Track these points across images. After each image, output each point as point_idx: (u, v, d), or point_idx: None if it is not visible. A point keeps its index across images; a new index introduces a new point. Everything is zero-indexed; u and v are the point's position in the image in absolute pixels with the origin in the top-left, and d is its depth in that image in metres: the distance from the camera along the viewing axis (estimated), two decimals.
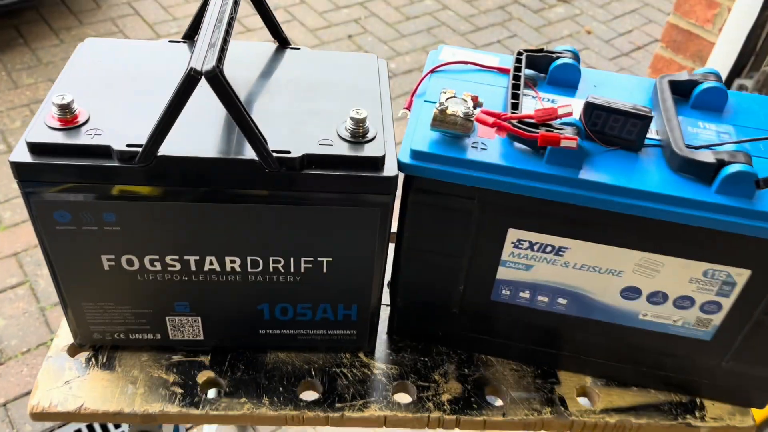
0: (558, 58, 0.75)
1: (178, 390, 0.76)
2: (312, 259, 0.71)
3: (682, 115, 0.73)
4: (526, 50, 0.76)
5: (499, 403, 0.79)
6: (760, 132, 0.72)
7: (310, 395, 0.78)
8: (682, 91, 0.75)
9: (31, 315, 1.90)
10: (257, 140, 0.61)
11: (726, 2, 1.76)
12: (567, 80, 0.76)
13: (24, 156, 0.62)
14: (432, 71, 0.77)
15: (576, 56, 0.76)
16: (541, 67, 0.77)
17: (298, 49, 0.79)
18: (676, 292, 0.71)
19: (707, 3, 1.83)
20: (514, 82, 0.71)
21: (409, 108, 0.74)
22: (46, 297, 1.95)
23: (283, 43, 0.79)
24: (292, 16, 3.06)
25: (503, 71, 0.77)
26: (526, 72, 0.76)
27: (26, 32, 2.84)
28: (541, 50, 0.77)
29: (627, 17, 3.31)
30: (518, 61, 0.75)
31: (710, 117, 0.73)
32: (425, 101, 0.72)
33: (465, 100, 0.67)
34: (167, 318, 0.76)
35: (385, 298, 0.81)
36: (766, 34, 1.68)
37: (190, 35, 0.77)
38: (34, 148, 0.62)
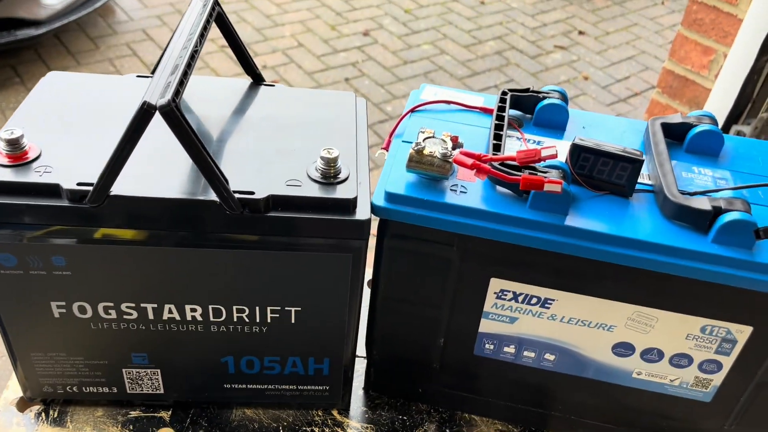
0: (545, 98, 0.72)
1: None
2: (279, 308, 0.66)
3: (676, 159, 0.68)
4: (510, 90, 0.73)
5: None
6: (758, 178, 0.67)
7: None
8: (675, 134, 0.71)
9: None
10: (216, 179, 0.56)
11: (722, 49, 1.75)
12: (554, 121, 0.72)
13: None
14: (412, 110, 0.73)
15: (564, 96, 0.72)
16: (528, 108, 0.73)
17: (273, 85, 0.75)
18: (673, 350, 0.65)
19: (702, 49, 1.82)
20: (497, 122, 0.67)
21: (387, 148, 0.70)
22: None
23: (257, 79, 0.76)
24: (290, 59, 3.07)
25: (487, 111, 0.73)
26: (511, 113, 0.72)
27: (23, 72, 2.84)
28: (527, 90, 0.73)
29: (624, 64, 3.31)
30: (502, 100, 0.71)
31: (705, 162, 0.69)
32: (403, 141, 0.68)
33: (444, 141, 0.63)
34: (124, 370, 0.70)
35: (362, 350, 0.75)
36: (763, 80, 1.66)
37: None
38: None
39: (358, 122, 0.71)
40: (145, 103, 0.53)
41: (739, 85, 1.66)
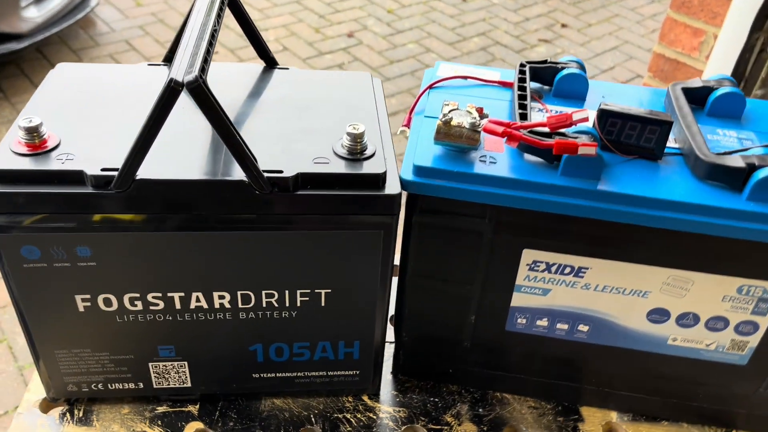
0: (563, 68, 0.71)
1: None
2: (309, 291, 0.65)
3: (699, 123, 0.68)
4: (528, 62, 0.72)
5: None
6: None
7: None
8: (696, 98, 0.70)
9: (9, 375, 1.80)
10: (246, 158, 0.55)
11: (711, 30, 1.76)
12: (574, 91, 0.71)
13: None
14: (430, 87, 0.72)
15: (582, 66, 0.72)
16: (546, 79, 0.72)
17: (287, 69, 0.74)
18: (708, 313, 0.65)
19: (692, 31, 1.83)
20: (520, 93, 0.67)
21: (407, 125, 0.69)
22: (24, 355, 1.85)
23: (270, 63, 0.74)
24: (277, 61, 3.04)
25: (505, 85, 0.73)
26: (531, 85, 0.71)
27: (6, 87, 2.81)
28: (545, 61, 0.72)
29: (608, 54, 3.33)
30: (522, 72, 0.71)
31: (729, 124, 0.69)
32: (425, 116, 0.67)
33: (469, 112, 0.62)
34: (150, 364, 0.69)
35: (389, 335, 0.74)
36: (755, 58, 1.67)
37: (170, 57, 0.72)
38: (0, 176, 0.56)
39: (377, 100, 0.70)
40: (171, 80, 0.51)
41: (732, 64, 1.67)
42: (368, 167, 0.60)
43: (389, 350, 0.78)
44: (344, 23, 3.44)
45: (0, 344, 1.88)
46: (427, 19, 3.52)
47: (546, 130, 0.60)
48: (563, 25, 3.52)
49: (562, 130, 0.60)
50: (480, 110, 0.63)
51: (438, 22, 3.49)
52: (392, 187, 0.60)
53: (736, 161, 0.59)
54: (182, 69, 0.53)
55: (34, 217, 0.57)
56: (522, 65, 0.72)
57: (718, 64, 1.72)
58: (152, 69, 0.71)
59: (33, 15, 2.77)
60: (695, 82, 0.70)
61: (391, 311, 0.74)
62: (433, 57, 3.23)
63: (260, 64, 0.74)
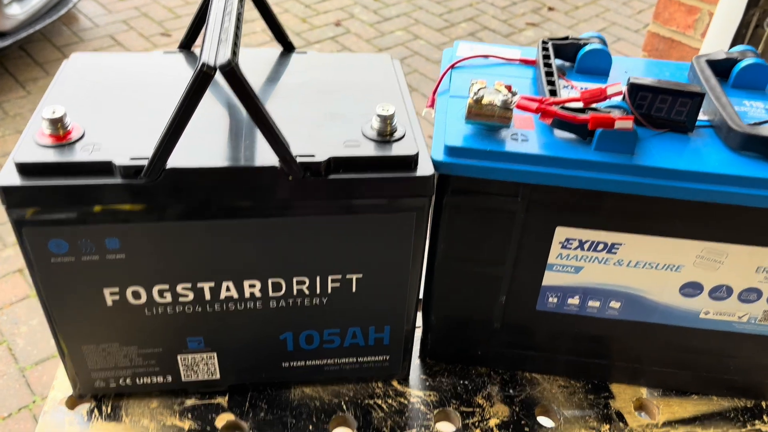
0: (585, 44, 0.70)
1: None
2: (340, 276, 0.64)
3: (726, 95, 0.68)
4: (550, 39, 0.71)
5: (551, 424, 0.72)
6: None
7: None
8: (720, 71, 0.70)
9: (11, 377, 1.77)
10: (279, 143, 0.54)
11: (706, 7, 1.76)
12: (597, 68, 0.70)
13: (13, 179, 0.54)
14: (452, 67, 0.71)
15: (603, 42, 0.71)
16: (568, 56, 0.72)
17: (305, 53, 0.73)
18: (742, 285, 0.65)
19: (687, 9, 1.83)
20: (546, 69, 0.66)
21: (431, 106, 0.68)
22: (25, 357, 1.82)
23: (288, 47, 0.73)
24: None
25: (527, 63, 0.72)
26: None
27: None
28: (566, 38, 0.72)
29: None
30: (545, 49, 0.70)
31: (755, 95, 0.68)
32: (451, 96, 0.66)
33: (499, 90, 0.61)
34: (179, 356, 0.67)
35: (417, 319, 0.74)
36: (751, 34, 1.68)
37: (187, 44, 0.71)
38: (24, 168, 0.54)
39: (400, 83, 0.69)
40: (204, 65, 0.50)
41: (728, 41, 1.67)
42: (399, 149, 0.59)
43: (417, 334, 0.77)
44: (331, 12, 3.42)
45: (0, 346, 1.85)
46: (413, 6, 3.50)
47: (577, 105, 0.59)
48: (550, 9, 3.52)
49: (594, 105, 0.59)
50: (509, 87, 0.63)
51: (425, 9, 3.48)
52: (425, 168, 0.59)
53: None
54: (212, 52, 0.51)
55: (62, 210, 0.55)
56: (544, 42, 0.71)
57: (714, 41, 1.72)
58: (168, 56, 0.70)
59: (15, 12, 2.72)
60: (719, 54, 0.70)
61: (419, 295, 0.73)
62: (421, 44, 3.22)
63: (277, 49, 0.73)
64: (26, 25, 2.80)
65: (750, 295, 0.65)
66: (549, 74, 0.66)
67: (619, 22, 3.49)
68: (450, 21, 3.41)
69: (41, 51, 3.03)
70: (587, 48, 0.70)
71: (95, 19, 3.31)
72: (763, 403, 0.74)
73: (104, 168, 0.55)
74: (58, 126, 0.56)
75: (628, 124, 0.56)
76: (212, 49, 0.52)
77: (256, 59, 0.71)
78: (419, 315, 0.77)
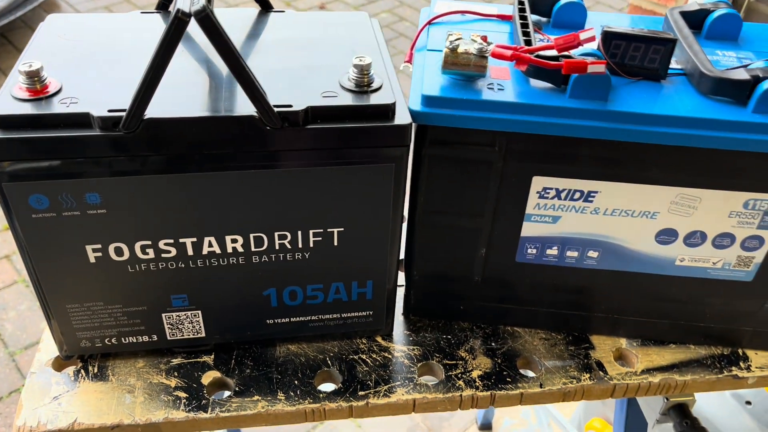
0: None
1: (182, 394, 0.68)
2: (321, 230, 0.64)
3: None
4: None
5: (533, 374, 0.73)
6: None
7: (328, 387, 0.71)
8: (693, 22, 0.71)
9: (0, 361, 1.78)
10: (256, 91, 0.54)
11: None
12: (573, 21, 0.71)
13: None
14: (429, 23, 0.72)
15: None
16: (544, 11, 0.72)
17: (283, 12, 0.73)
18: (715, 230, 0.66)
19: None
20: (522, 21, 0.67)
21: (410, 61, 0.69)
22: (14, 341, 1.83)
23: (265, 6, 0.73)
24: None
25: (504, 18, 0.73)
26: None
27: None
28: None
29: None
30: (521, 3, 0.70)
31: (727, 45, 0.70)
32: (428, 50, 0.67)
33: (474, 40, 0.62)
34: (164, 315, 0.68)
35: (399, 278, 0.75)
36: (732, 1, 1.69)
37: (164, 5, 0.71)
38: (2, 121, 0.54)
39: (378, 37, 0.69)
40: (179, 11, 0.50)
41: None
42: (377, 99, 0.59)
43: (399, 293, 0.78)
44: None
45: None
46: None
47: (553, 53, 0.60)
48: None
49: (569, 53, 0.60)
50: (485, 38, 0.63)
51: None
52: (402, 117, 0.59)
53: (741, 74, 0.59)
54: (187, 1, 0.51)
55: (41, 164, 0.56)
56: None
57: None
58: (145, 16, 0.70)
59: None
60: (692, 6, 0.71)
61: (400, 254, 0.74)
62: (407, 25, 3.22)
63: (256, 8, 0.73)
64: (7, 12, 2.77)
65: (723, 240, 0.67)
66: (524, 26, 0.66)
67: (605, 1, 3.50)
68: None
69: (22, 38, 3.01)
70: (563, 1, 0.71)
71: (77, 5, 3.28)
72: (740, 350, 0.76)
73: (82, 120, 0.55)
74: (35, 80, 0.56)
75: (601, 67, 0.57)
76: None
77: (235, 17, 0.71)
78: (402, 274, 0.78)
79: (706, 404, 1.27)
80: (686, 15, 0.70)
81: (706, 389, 0.74)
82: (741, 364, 0.74)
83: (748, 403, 1.26)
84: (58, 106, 0.55)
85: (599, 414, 1.48)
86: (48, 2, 3.23)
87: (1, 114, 0.54)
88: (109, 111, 0.55)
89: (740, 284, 0.70)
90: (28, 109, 0.55)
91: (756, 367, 0.74)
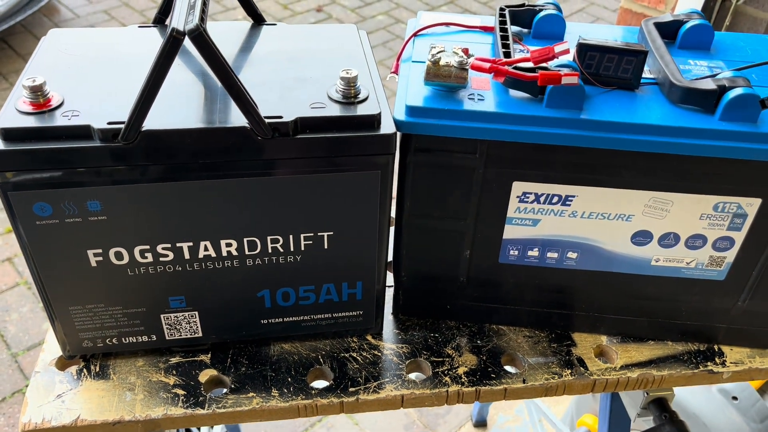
0: (541, 10, 0.74)
1: (181, 392, 0.71)
2: (312, 234, 0.68)
3: (671, 54, 0.72)
4: (507, 6, 0.75)
5: (516, 370, 0.76)
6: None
7: (320, 384, 0.74)
8: (667, 32, 0.74)
9: (3, 362, 1.81)
10: (248, 104, 0.58)
11: None
12: (552, 32, 0.74)
13: None
14: (414, 35, 0.75)
15: (558, 8, 0.75)
16: (525, 22, 0.76)
17: (275, 24, 0.76)
18: (688, 231, 0.69)
19: None
20: (502, 33, 0.70)
21: (396, 72, 0.72)
22: (17, 343, 1.86)
23: (258, 20, 0.77)
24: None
25: (487, 29, 0.76)
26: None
27: None
28: (523, 5, 0.75)
29: (575, 16, 3.37)
30: (502, 15, 0.74)
31: (699, 55, 0.73)
32: (413, 62, 0.70)
33: (456, 53, 0.65)
34: (162, 316, 0.71)
35: (388, 279, 0.78)
36: (718, 8, 1.72)
37: (161, 19, 0.74)
38: (7, 134, 0.57)
39: (365, 50, 0.73)
40: (174, 29, 0.53)
41: None
42: (363, 109, 0.62)
43: (389, 294, 0.82)
44: None
45: None
46: None
47: (530, 65, 0.63)
48: None
49: (545, 65, 0.63)
50: (466, 51, 0.66)
51: None
52: (387, 127, 0.63)
53: (708, 84, 0.63)
54: (182, 18, 0.55)
55: (44, 174, 0.59)
56: (501, 9, 0.75)
57: None
58: (143, 30, 0.73)
59: None
60: (666, 17, 0.74)
61: (389, 256, 0.77)
62: (402, 27, 3.24)
63: (248, 22, 0.76)
64: (7, 17, 2.80)
65: (696, 241, 0.70)
66: (504, 38, 0.69)
67: (598, 2, 3.53)
68: (431, 4, 3.44)
69: (23, 43, 3.04)
70: (542, 14, 0.74)
71: (76, 9, 3.31)
72: (715, 346, 0.79)
73: (83, 132, 0.58)
74: (38, 94, 0.59)
75: (574, 79, 0.60)
76: (182, 16, 0.55)
77: (227, 31, 0.74)
78: (390, 275, 0.82)
79: (694, 400, 1.30)
80: (660, 26, 0.73)
81: (682, 384, 0.77)
82: (716, 359, 0.78)
83: (735, 398, 1.29)
84: (60, 119, 0.58)
85: (591, 410, 1.51)
86: (48, 7, 3.26)
87: (7, 127, 0.57)
88: (109, 123, 0.58)
89: (713, 283, 0.73)
90: (31, 122, 0.58)
91: (731, 362, 0.77)
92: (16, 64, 2.88)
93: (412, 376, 0.75)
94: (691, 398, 1.30)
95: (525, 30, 0.76)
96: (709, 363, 0.77)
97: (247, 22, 0.76)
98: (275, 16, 3.24)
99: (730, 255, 0.71)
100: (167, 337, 0.73)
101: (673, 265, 0.72)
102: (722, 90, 0.62)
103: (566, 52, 0.62)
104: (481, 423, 1.72)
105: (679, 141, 0.62)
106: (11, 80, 2.78)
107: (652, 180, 0.66)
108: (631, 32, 0.77)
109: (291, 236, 0.68)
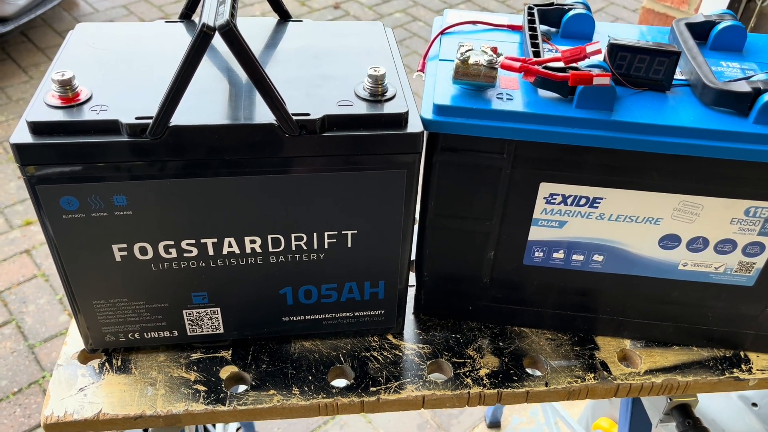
0: (570, 9, 0.73)
1: (202, 388, 0.71)
2: (336, 232, 0.67)
3: (703, 56, 0.71)
4: (536, 5, 0.74)
5: (539, 373, 0.75)
6: None
7: (341, 382, 0.73)
8: (699, 33, 0.73)
9: (20, 354, 1.82)
10: (276, 101, 0.57)
11: None
12: (581, 32, 0.73)
13: (25, 137, 0.57)
14: (441, 33, 0.74)
15: (587, 7, 0.74)
16: (553, 21, 0.75)
17: (301, 21, 0.76)
18: (717, 236, 0.68)
19: None
20: (531, 33, 0.69)
21: (422, 70, 0.72)
22: (34, 334, 1.87)
23: (284, 16, 0.76)
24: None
25: (514, 28, 0.75)
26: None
27: None
28: (552, 3, 0.75)
29: (595, 16, 3.34)
30: (530, 14, 0.73)
31: (731, 56, 0.71)
32: (440, 60, 0.70)
33: (485, 51, 0.64)
34: (184, 312, 0.71)
35: (410, 279, 0.77)
36: (744, 8, 1.70)
37: (187, 15, 0.74)
38: (37, 127, 0.57)
39: (392, 46, 0.72)
40: (204, 25, 0.53)
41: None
42: (390, 108, 0.62)
43: (410, 293, 0.81)
44: None
45: (9, 324, 1.90)
46: None
47: (560, 65, 0.62)
48: None
49: (575, 65, 0.63)
50: (494, 50, 0.66)
51: None
52: (414, 126, 0.62)
53: (742, 86, 0.62)
54: (212, 14, 0.54)
55: (72, 167, 0.59)
56: (530, 8, 0.74)
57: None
58: (169, 25, 0.73)
59: None
60: (698, 18, 0.73)
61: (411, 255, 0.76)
62: (420, 25, 3.24)
63: (275, 18, 0.76)
64: (27, 11, 2.82)
65: (725, 246, 0.69)
66: (533, 37, 0.69)
67: (618, 2, 3.50)
68: (448, 2, 3.42)
69: (43, 36, 3.06)
70: (571, 13, 0.73)
71: (95, 4, 3.33)
72: (742, 353, 0.78)
73: (111, 127, 0.58)
74: (67, 88, 0.59)
75: (606, 80, 0.59)
76: (212, 11, 0.55)
77: (254, 27, 0.74)
78: (413, 274, 0.81)
79: (713, 406, 1.29)
80: (692, 26, 0.72)
81: (707, 390, 0.76)
82: (742, 366, 0.77)
83: (755, 405, 1.28)
84: (88, 113, 0.58)
85: (606, 413, 1.50)
86: (67, 1, 3.28)
87: (36, 120, 0.57)
88: (137, 118, 0.58)
89: (742, 289, 0.72)
90: (60, 116, 0.58)
91: (757, 370, 0.76)
92: (36, 58, 2.90)
93: (433, 376, 0.75)
94: (710, 404, 1.28)
95: (553, 29, 0.75)
96: (735, 370, 0.76)
97: (273, 18, 0.76)
98: (292, 12, 3.23)
99: (761, 261, 0.70)
100: (189, 333, 0.73)
101: (701, 270, 0.71)
102: (757, 92, 0.61)
103: (598, 52, 0.61)
104: (495, 424, 1.71)
105: (711, 144, 0.61)
106: (30, 73, 2.80)
107: (682, 183, 0.65)
108: (661, 32, 0.76)
109: (315, 234, 0.67)
